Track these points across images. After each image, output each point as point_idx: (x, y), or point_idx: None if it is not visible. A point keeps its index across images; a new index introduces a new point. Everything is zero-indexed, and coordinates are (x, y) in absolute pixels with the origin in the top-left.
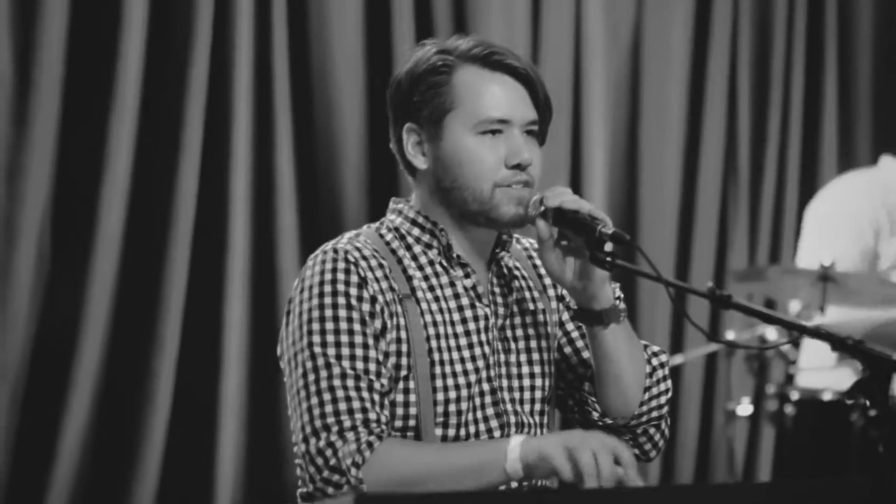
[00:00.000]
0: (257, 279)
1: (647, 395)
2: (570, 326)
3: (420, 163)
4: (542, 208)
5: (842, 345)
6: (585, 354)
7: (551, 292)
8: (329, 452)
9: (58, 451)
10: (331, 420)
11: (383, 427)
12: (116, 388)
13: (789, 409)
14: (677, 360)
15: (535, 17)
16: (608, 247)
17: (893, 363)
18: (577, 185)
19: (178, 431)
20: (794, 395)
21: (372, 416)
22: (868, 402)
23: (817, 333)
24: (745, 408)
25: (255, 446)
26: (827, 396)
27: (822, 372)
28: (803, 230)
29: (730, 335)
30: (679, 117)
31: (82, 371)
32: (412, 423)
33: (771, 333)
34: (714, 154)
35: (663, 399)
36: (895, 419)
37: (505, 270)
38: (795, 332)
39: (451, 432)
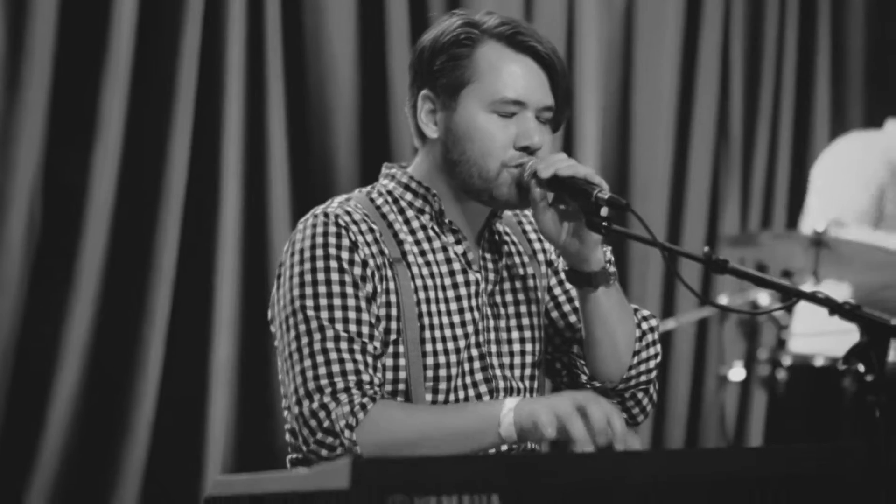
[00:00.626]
0: (249, 249)
1: (635, 359)
2: (557, 291)
3: (431, 131)
4: (535, 179)
5: (839, 309)
6: (573, 318)
7: (541, 257)
8: (322, 414)
9: (48, 419)
10: (324, 382)
11: (376, 389)
12: (107, 356)
13: (781, 375)
14: (669, 325)
15: None
16: (604, 211)
17: (891, 328)
18: (569, 151)
19: (168, 401)
20: (787, 361)
21: (365, 377)
22: (865, 368)
23: (814, 298)
24: (737, 372)
25: (246, 416)
26: (819, 362)
27: (814, 337)
28: (810, 188)
29: (722, 300)
30: (671, 84)
31: (72, 339)
32: (402, 387)
33: (763, 298)
34: (706, 120)
35: (652, 363)
36: (892, 385)
37: (496, 237)
38: (792, 296)
39: (441, 397)
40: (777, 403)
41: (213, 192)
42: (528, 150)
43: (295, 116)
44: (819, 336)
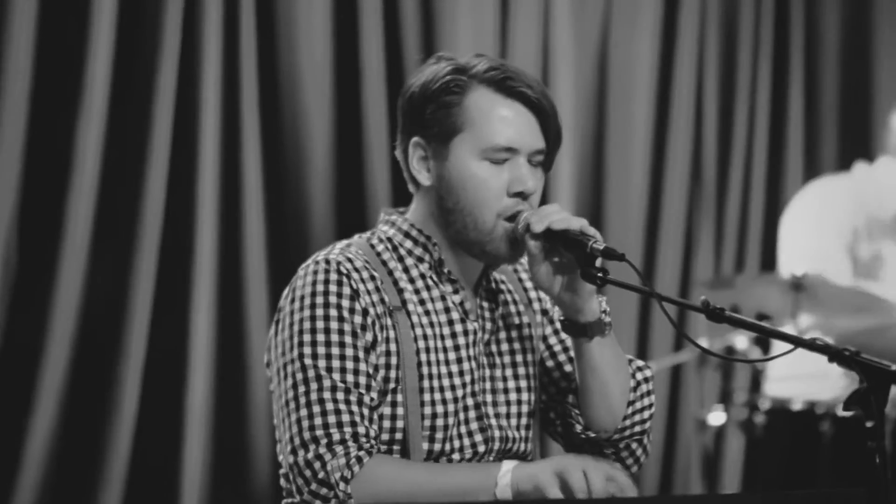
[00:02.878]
0: (224, 284)
1: (630, 409)
2: (552, 340)
3: (424, 179)
4: (529, 232)
5: (839, 356)
6: (568, 368)
7: (536, 306)
8: (318, 465)
9: (23, 458)
10: (320, 433)
11: (372, 442)
12: (82, 394)
13: (759, 418)
14: None
15: (504, 25)
16: (598, 262)
17: (891, 374)
18: (544, 193)
19: (143, 438)
20: (764, 405)
21: (361, 429)
22: (864, 414)
23: (813, 345)
24: (717, 416)
25: (221, 454)
26: (797, 406)
27: (791, 381)
28: (782, 234)
29: (702, 343)
30: (645, 126)
31: (48, 377)
32: (399, 436)
33: (741, 342)
34: (680, 163)
35: (647, 413)
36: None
37: (493, 285)
38: (791, 343)
39: (437, 446)
40: (755, 447)
41: (189, 228)
42: (523, 196)
43: (270, 154)
44: (795, 379)
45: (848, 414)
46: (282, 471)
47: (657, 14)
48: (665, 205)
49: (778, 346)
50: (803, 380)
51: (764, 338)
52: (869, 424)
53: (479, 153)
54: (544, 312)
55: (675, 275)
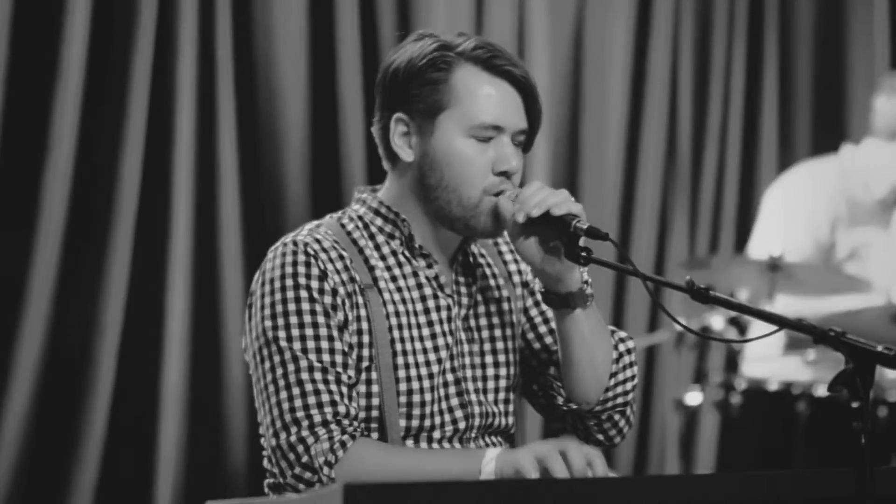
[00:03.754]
0: (200, 267)
1: (612, 381)
2: (533, 312)
3: (406, 155)
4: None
5: (824, 336)
6: (548, 340)
7: (516, 279)
8: (301, 448)
9: None
10: (301, 414)
11: (354, 424)
12: (58, 375)
13: (735, 399)
14: None
15: (479, 6)
16: (582, 241)
17: (877, 355)
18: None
19: (118, 420)
20: (741, 385)
21: (342, 409)
22: (850, 394)
23: (799, 326)
24: (694, 396)
25: (196, 436)
26: (773, 386)
27: (767, 361)
28: (759, 216)
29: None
30: (620, 110)
31: (23, 358)
32: (375, 413)
33: (717, 322)
34: (655, 146)
35: (629, 385)
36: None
37: (471, 259)
38: (777, 324)
39: (415, 423)
40: (730, 427)
41: (165, 213)
42: (507, 175)
43: (246, 137)
44: (771, 360)
45: (824, 394)
46: (264, 452)
47: None
48: (640, 186)
49: (758, 328)
50: (780, 360)
51: (739, 318)
52: (855, 405)
53: (466, 130)
54: (525, 285)
55: (650, 255)
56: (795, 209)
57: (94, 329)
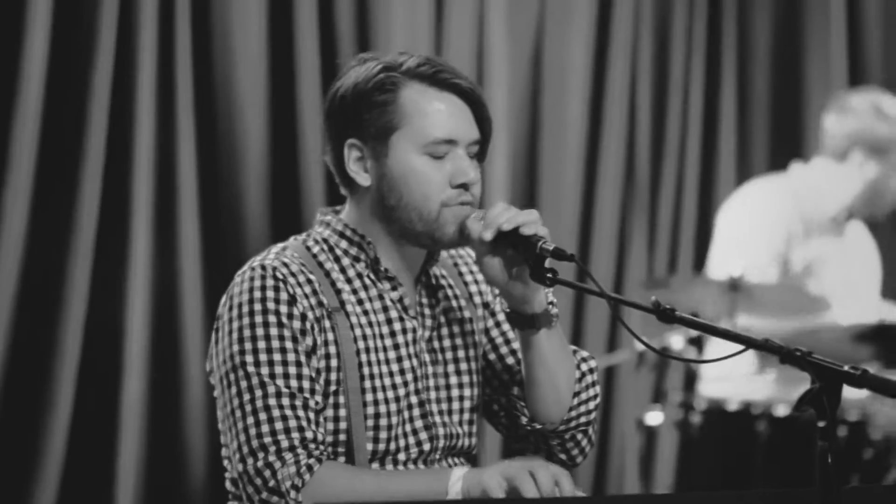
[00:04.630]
0: (159, 284)
1: (576, 400)
2: (494, 332)
3: (363, 179)
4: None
5: (790, 357)
6: (510, 360)
7: (477, 300)
8: (268, 473)
9: None
10: (268, 440)
11: (321, 448)
12: (17, 393)
13: (695, 418)
14: None
15: (438, 25)
16: (548, 262)
17: (843, 374)
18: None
19: (78, 440)
20: (701, 405)
21: (309, 434)
22: (817, 414)
23: (765, 346)
24: (654, 416)
25: (156, 454)
26: (732, 406)
27: (725, 381)
28: (715, 236)
29: (639, 345)
30: (579, 126)
31: None
32: (342, 437)
33: (676, 342)
34: (613, 163)
35: (592, 405)
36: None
37: (433, 281)
38: (742, 344)
39: (382, 446)
40: (690, 447)
41: (124, 230)
42: (465, 187)
43: (205, 156)
44: (729, 380)
45: (784, 414)
46: (227, 475)
47: (591, 14)
48: (598, 205)
49: (715, 347)
50: (736, 379)
51: (699, 338)
52: (821, 424)
53: (419, 148)
54: (485, 305)
55: (609, 274)
56: (750, 228)
57: (53, 349)
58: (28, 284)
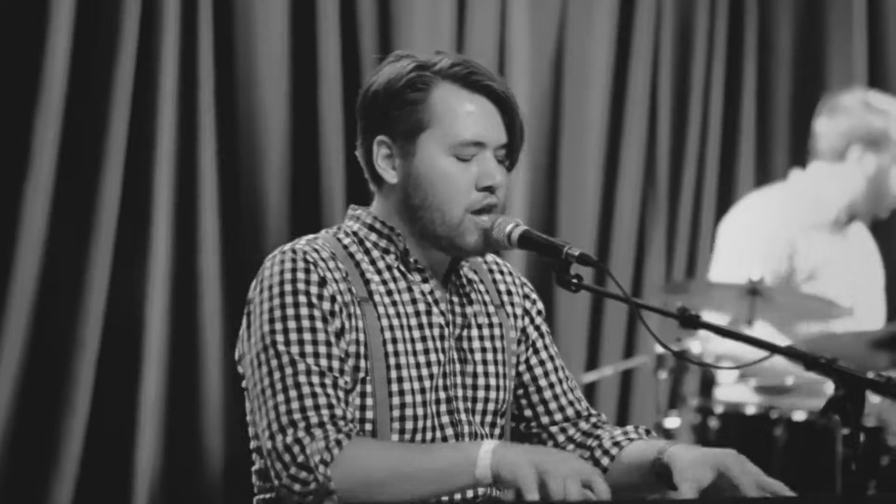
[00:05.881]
0: (178, 281)
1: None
2: (539, 343)
3: (390, 177)
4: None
5: (815, 363)
6: (542, 382)
7: (509, 309)
8: (297, 449)
9: None
10: (297, 416)
11: (350, 425)
12: (36, 390)
13: (713, 423)
14: (592, 376)
15: (460, 25)
16: (573, 268)
17: (866, 381)
18: None
19: (96, 435)
20: (718, 409)
21: (338, 412)
22: (841, 421)
23: (790, 352)
24: (672, 420)
25: (173, 451)
26: (750, 410)
27: (739, 386)
28: (717, 245)
29: (658, 349)
30: (599, 127)
31: (2, 371)
32: (368, 426)
33: (695, 347)
34: (634, 165)
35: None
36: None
37: (465, 281)
38: (768, 350)
39: (408, 436)
40: None
41: (144, 226)
42: (490, 190)
43: (226, 152)
44: (745, 385)
45: (802, 419)
46: (255, 468)
47: (613, 15)
48: (618, 207)
49: (730, 353)
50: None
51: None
52: (845, 431)
53: (447, 149)
54: (526, 313)
55: (628, 278)
56: (752, 240)
57: (73, 343)
58: (48, 279)
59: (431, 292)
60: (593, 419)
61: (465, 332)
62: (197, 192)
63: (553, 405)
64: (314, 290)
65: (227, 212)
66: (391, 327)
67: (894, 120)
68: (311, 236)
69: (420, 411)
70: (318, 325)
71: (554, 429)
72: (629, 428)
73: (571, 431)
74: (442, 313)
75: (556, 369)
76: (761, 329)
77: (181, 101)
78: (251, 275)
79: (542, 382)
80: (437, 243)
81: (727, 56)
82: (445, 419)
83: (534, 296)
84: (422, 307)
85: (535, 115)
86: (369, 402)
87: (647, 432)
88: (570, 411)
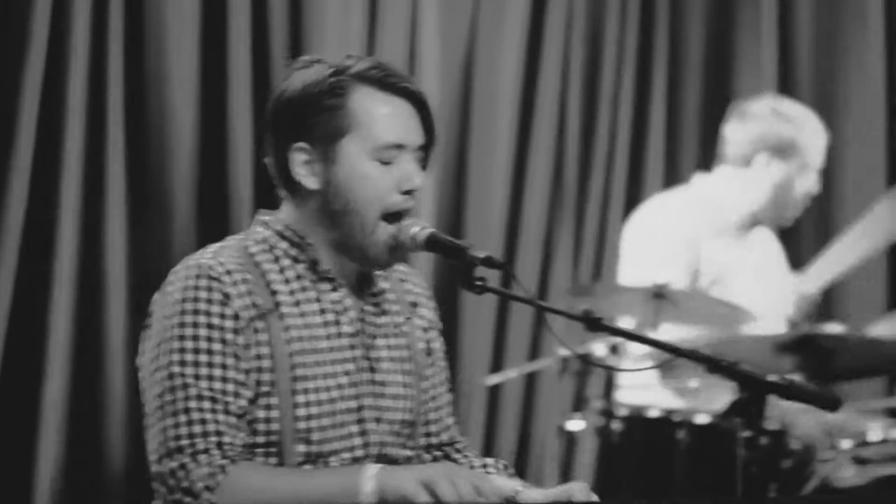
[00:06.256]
0: (83, 284)
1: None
2: (438, 363)
3: (311, 183)
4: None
5: (717, 366)
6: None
7: (418, 321)
8: (181, 474)
9: None
10: (185, 442)
11: (237, 450)
12: None
13: (616, 425)
14: (496, 378)
15: (371, 30)
16: (479, 271)
17: (769, 384)
18: None
19: None
20: (621, 412)
21: (226, 439)
22: (743, 423)
23: (692, 355)
24: (576, 423)
25: (75, 454)
26: (653, 413)
27: (642, 389)
28: (622, 249)
29: (562, 351)
30: (508, 132)
31: None
32: (274, 438)
33: (599, 349)
34: (541, 170)
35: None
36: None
37: (376, 290)
38: (670, 353)
39: (314, 448)
40: (610, 454)
41: (50, 229)
42: (410, 193)
43: (135, 157)
44: (645, 388)
45: (705, 422)
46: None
47: (523, 22)
48: (525, 211)
49: (633, 356)
50: (652, 388)
51: (620, 346)
52: (746, 434)
53: (369, 153)
54: (432, 326)
55: (534, 281)
56: (654, 239)
57: None
58: None
59: (340, 302)
60: (458, 445)
61: (374, 342)
62: (104, 197)
63: (434, 427)
64: (216, 308)
65: (134, 215)
66: (299, 338)
67: (803, 129)
68: (218, 245)
69: (326, 421)
70: (216, 346)
71: (425, 451)
72: (489, 461)
73: (437, 454)
74: (351, 322)
75: (446, 391)
76: (667, 333)
77: (90, 103)
78: (157, 278)
79: (431, 404)
80: (350, 253)
81: (637, 62)
82: (354, 428)
83: (435, 311)
84: (330, 317)
85: (444, 118)
86: (274, 414)
87: (506, 467)
88: (444, 436)
